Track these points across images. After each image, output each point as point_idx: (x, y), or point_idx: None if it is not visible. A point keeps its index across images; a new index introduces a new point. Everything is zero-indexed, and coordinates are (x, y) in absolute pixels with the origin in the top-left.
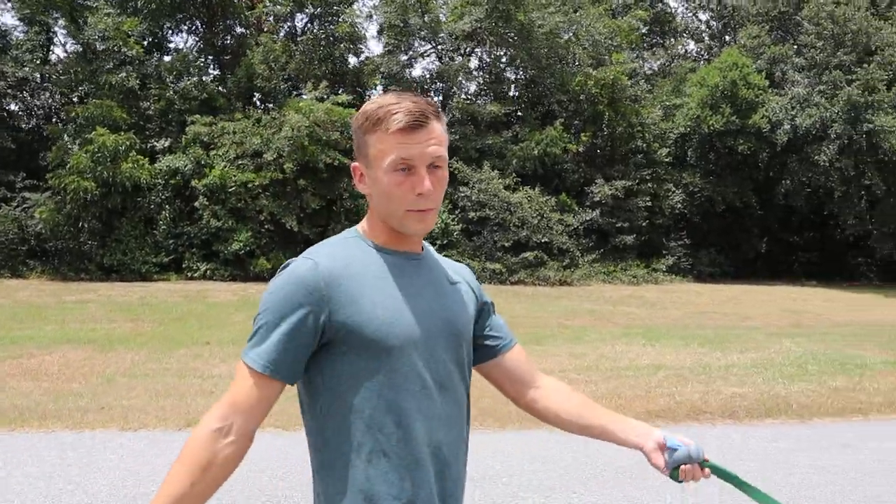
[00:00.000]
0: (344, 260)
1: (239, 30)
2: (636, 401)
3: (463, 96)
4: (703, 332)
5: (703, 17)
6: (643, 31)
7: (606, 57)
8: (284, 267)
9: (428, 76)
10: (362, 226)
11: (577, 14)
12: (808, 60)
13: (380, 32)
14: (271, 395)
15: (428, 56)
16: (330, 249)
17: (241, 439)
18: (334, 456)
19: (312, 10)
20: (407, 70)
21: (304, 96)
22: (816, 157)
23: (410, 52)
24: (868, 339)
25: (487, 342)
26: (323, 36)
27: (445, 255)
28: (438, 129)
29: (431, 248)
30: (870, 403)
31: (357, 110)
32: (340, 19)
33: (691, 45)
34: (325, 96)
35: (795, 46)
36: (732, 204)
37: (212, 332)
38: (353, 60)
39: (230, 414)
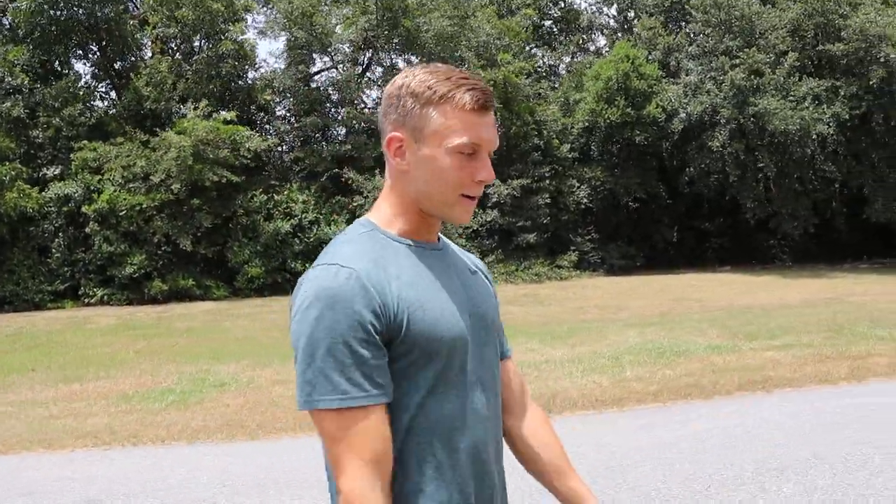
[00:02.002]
0: (373, 257)
1: (131, 54)
2: None
3: (361, 106)
4: (561, 328)
5: (610, 11)
6: (550, 27)
7: (498, 58)
8: (310, 285)
9: (326, 87)
10: (376, 215)
11: (465, 17)
12: (699, 48)
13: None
14: (387, 423)
15: (328, 69)
16: (352, 251)
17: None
18: None
19: (198, 30)
20: (301, 83)
21: (188, 116)
22: (710, 144)
23: (304, 65)
24: (721, 323)
25: None
26: (212, 55)
27: (337, 235)
28: (493, 117)
29: (445, 238)
30: (644, 393)
31: (243, 126)
32: (225, 37)
33: (602, 41)
34: (208, 115)
35: (689, 35)
36: (637, 195)
37: (51, 358)
38: (251, 75)
39: (377, 471)
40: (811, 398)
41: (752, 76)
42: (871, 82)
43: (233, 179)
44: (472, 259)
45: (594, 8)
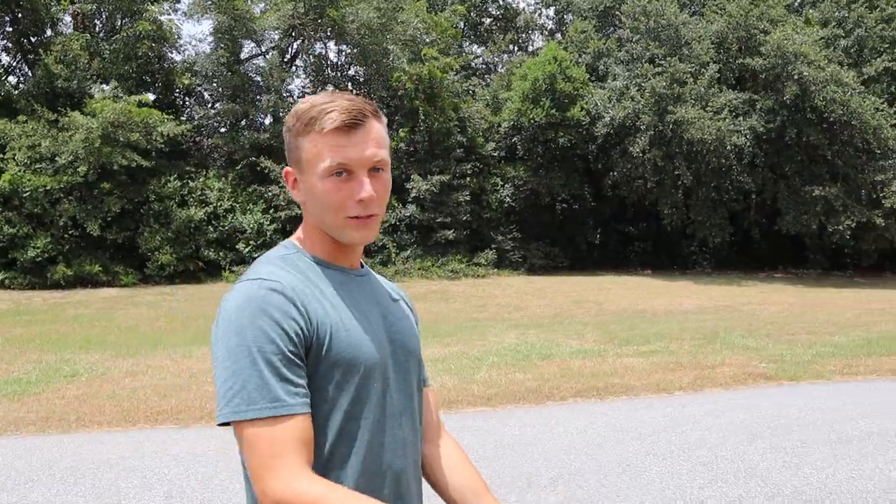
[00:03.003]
0: (298, 277)
1: (46, 29)
2: None
3: (286, 95)
4: (448, 326)
5: (548, 11)
6: (490, 25)
7: (422, 53)
8: (234, 298)
9: (252, 74)
10: (299, 237)
11: (394, 9)
12: (628, 54)
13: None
14: (311, 431)
15: (255, 56)
16: (280, 268)
17: None
18: None
19: (119, 8)
20: (225, 69)
21: (95, 97)
22: (631, 149)
23: (225, 50)
24: (604, 328)
25: None
26: (130, 34)
27: (260, 256)
28: (378, 130)
29: (367, 266)
30: (480, 396)
31: (158, 110)
32: (143, 17)
33: (540, 42)
34: (121, 96)
35: (619, 41)
36: (561, 196)
37: None
38: (177, 58)
39: (303, 466)
40: (629, 407)
41: (674, 85)
42: (785, 98)
43: (143, 164)
44: (393, 288)
45: (532, 8)
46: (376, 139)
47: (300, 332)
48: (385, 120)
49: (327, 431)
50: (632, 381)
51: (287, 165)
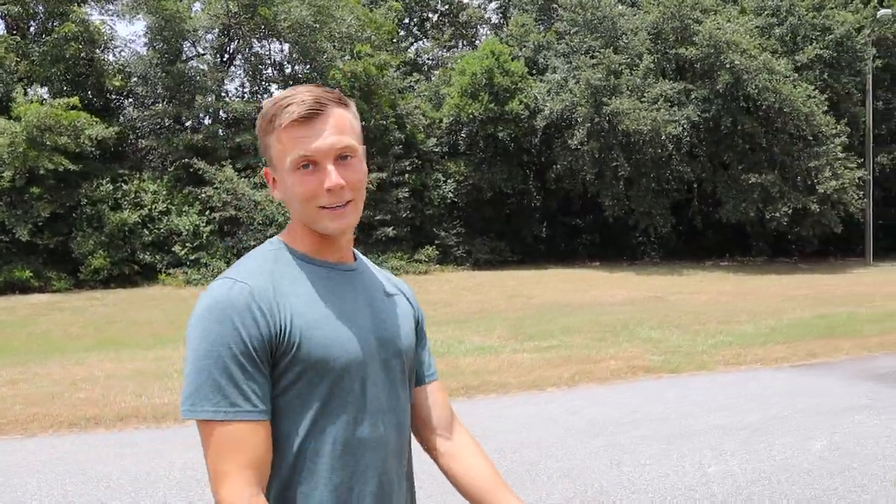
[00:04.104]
0: (272, 276)
1: None
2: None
3: (223, 96)
4: None
5: (491, 6)
6: (439, 21)
7: (355, 50)
8: (205, 297)
9: (187, 75)
10: (285, 235)
11: (327, 7)
12: (568, 46)
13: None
14: (270, 439)
15: (192, 57)
16: (253, 266)
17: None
18: None
19: (45, 10)
20: (159, 69)
21: (17, 100)
22: (570, 142)
23: (155, 51)
24: (517, 323)
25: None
26: (59, 36)
27: (197, 258)
28: (340, 116)
29: (365, 259)
30: None
31: (87, 113)
32: (69, 19)
33: (486, 37)
34: (46, 99)
35: (557, 33)
36: (504, 191)
37: None
38: (111, 59)
39: (252, 479)
40: (495, 406)
41: (610, 76)
42: (718, 87)
43: (69, 167)
44: (393, 281)
45: (477, 3)
46: (338, 126)
47: (262, 335)
48: (353, 106)
49: (298, 430)
50: (510, 378)
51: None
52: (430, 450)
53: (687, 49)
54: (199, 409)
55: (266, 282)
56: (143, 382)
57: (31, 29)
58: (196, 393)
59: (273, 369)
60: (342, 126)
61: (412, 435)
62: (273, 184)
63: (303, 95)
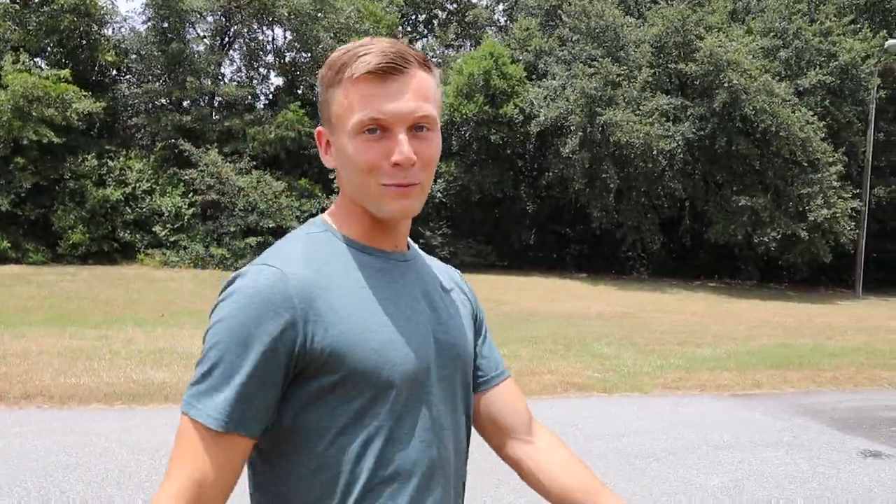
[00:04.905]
0: (315, 264)
1: None
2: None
3: (219, 77)
4: None
5: (499, 7)
6: (446, 19)
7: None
8: (232, 281)
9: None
10: (331, 212)
11: None
12: (569, 53)
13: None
14: (240, 456)
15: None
16: (293, 251)
17: None
18: None
19: None
20: (154, 48)
21: (6, 68)
22: (562, 150)
23: (151, 29)
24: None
25: (474, 370)
26: (55, 8)
27: (177, 240)
28: (424, 81)
29: (417, 247)
30: (131, 394)
31: (75, 86)
32: None
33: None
34: (38, 68)
35: (559, 39)
36: (493, 194)
37: None
38: (108, 33)
39: (198, 495)
40: None
41: (607, 87)
42: (715, 105)
43: (54, 140)
44: (448, 273)
45: (484, 3)
46: (420, 91)
47: (287, 337)
48: (437, 73)
49: (352, 450)
50: None
51: (320, 126)
52: (507, 457)
53: (687, 65)
54: (196, 407)
55: (307, 271)
56: (71, 361)
57: None
58: (199, 387)
59: (305, 377)
60: (425, 92)
61: (488, 444)
62: (325, 147)
63: (384, 46)
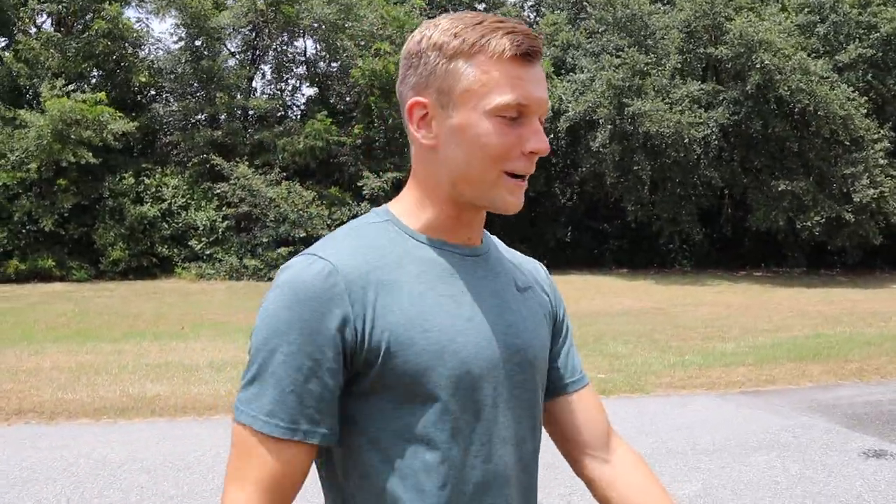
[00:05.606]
0: (369, 256)
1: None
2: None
3: (249, 92)
4: None
5: (527, 4)
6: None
7: (373, 47)
8: (283, 271)
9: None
10: (397, 205)
11: (350, 4)
12: (597, 45)
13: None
14: (305, 464)
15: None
16: (346, 240)
17: None
18: None
19: (81, 7)
20: (187, 66)
21: (43, 94)
22: (592, 144)
23: (183, 48)
24: None
25: (548, 375)
26: (92, 33)
27: (212, 253)
28: (543, 72)
29: (494, 239)
30: (93, 408)
31: (111, 108)
32: (99, 16)
33: None
34: (73, 92)
35: (586, 32)
36: (525, 192)
37: None
38: (142, 55)
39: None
40: None
41: (636, 76)
42: (748, 88)
43: (91, 161)
44: (525, 268)
45: (512, 1)
46: (545, 81)
47: (338, 335)
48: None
49: (377, 462)
50: None
51: (414, 96)
52: (580, 474)
53: (717, 48)
54: (248, 411)
55: (361, 261)
56: (75, 377)
57: (80, 26)
58: (250, 390)
59: (356, 381)
60: (545, 83)
61: (563, 457)
62: (422, 121)
63: (525, 28)
